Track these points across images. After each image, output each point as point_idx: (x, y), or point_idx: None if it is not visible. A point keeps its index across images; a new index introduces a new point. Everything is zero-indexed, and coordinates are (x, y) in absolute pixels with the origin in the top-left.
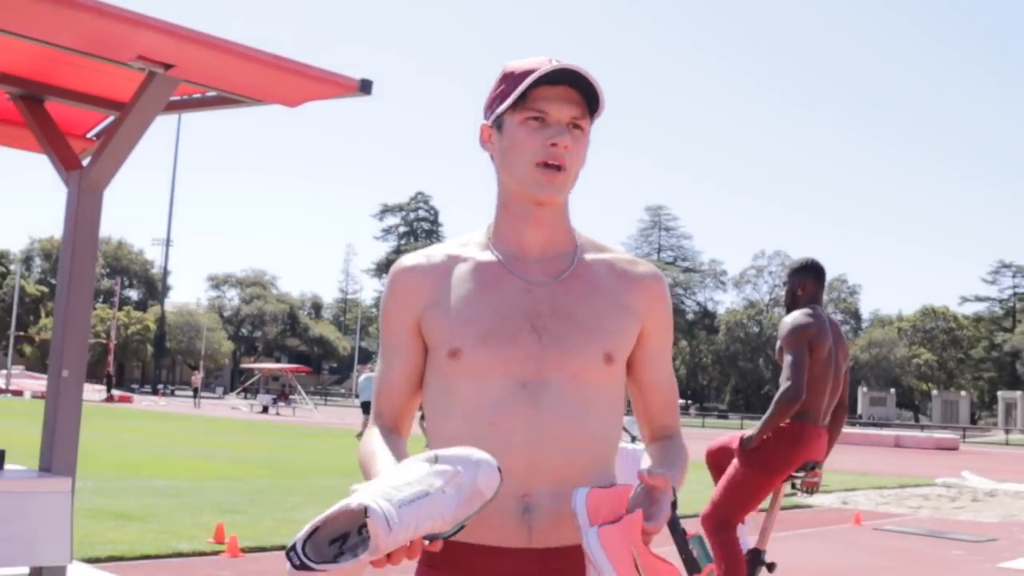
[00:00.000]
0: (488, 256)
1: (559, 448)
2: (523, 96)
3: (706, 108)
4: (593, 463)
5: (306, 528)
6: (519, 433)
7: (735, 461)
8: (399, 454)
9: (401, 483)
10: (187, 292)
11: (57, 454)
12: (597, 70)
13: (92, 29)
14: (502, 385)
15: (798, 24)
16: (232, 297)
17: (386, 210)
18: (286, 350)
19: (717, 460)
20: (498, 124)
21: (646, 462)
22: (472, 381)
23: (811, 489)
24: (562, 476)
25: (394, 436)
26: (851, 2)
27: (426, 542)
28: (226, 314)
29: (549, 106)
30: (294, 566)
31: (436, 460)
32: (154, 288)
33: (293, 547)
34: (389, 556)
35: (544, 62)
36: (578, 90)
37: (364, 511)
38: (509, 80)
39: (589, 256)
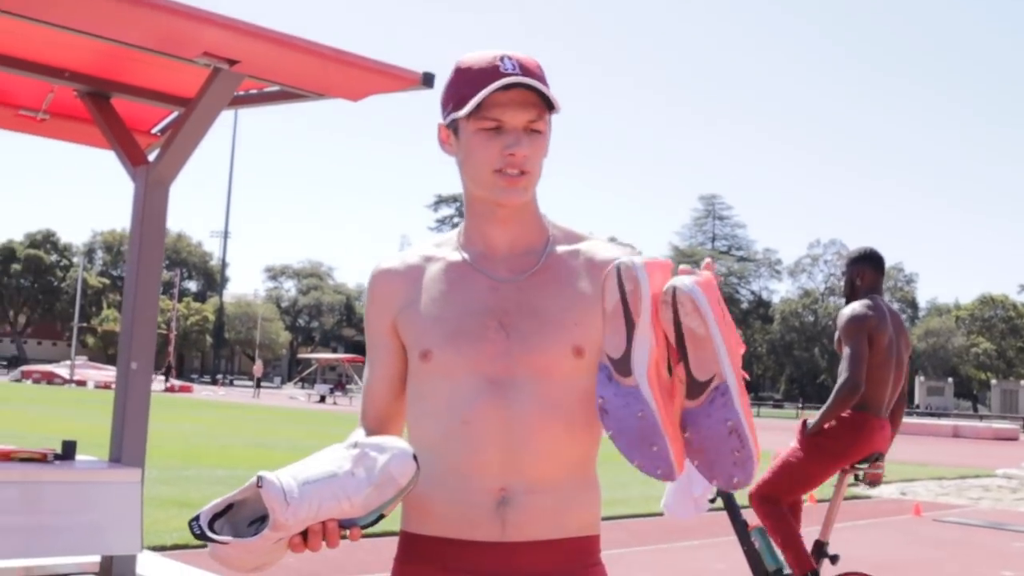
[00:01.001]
0: (458, 256)
1: (532, 443)
2: (477, 103)
3: (760, 95)
4: (569, 457)
5: (212, 502)
6: (491, 429)
7: (795, 443)
8: None
9: (312, 465)
10: (245, 283)
11: (127, 445)
12: (650, 57)
13: (160, 27)
14: (472, 383)
15: (849, 8)
16: (289, 288)
17: (440, 201)
18: (342, 340)
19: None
20: (454, 128)
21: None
22: (443, 381)
23: (874, 481)
24: (536, 470)
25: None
26: None
27: (345, 532)
28: (283, 305)
29: (503, 114)
30: (194, 535)
31: (355, 447)
32: (213, 280)
33: (196, 518)
34: (305, 540)
35: (495, 61)
36: (533, 90)
37: (258, 481)
38: (462, 82)
39: (562, 249)
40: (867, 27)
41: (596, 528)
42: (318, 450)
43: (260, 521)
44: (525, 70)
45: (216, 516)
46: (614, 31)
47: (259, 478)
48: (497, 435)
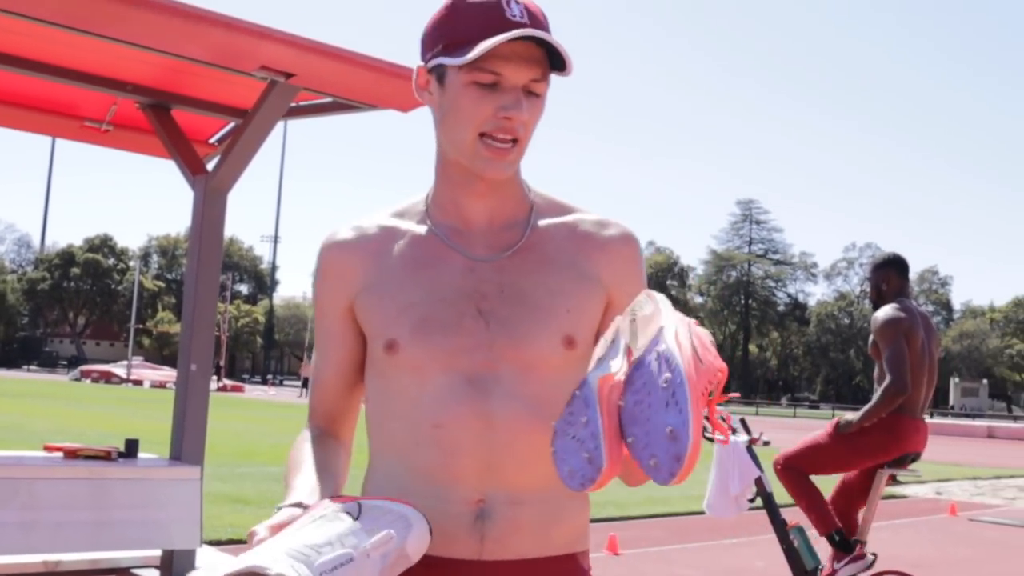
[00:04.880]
0: (426, 229)
1: (516, 449)
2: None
3: (796, 101)
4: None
5: None
6: (469, 435)
7: (827, 429)
8: (331, 467)
9: (321, 542)
10: (294, 286)
11: (187, 443)
12: (690, 64)
13: (219, 42)
14: (446, 381)
15: (883, 13)
16: None
17: None
18: None
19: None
20: (439, 74)
21: (746, 457)
22: (412, 377)
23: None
24: (520, 480)
25: (329, 441)
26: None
27: None
28: None
29: (505, 67)
30: None
31: (360, 512)
32: (263, 283)
33: None
34: None
35: (501, 2)
36: (539, 44)
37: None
38: (457, 20)
39: (546, 222)
40: (901, 30)
41: (585, 543)
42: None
43: None
44: (533, 18)
45: None
46: (656, 37)
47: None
48: (475, 440)
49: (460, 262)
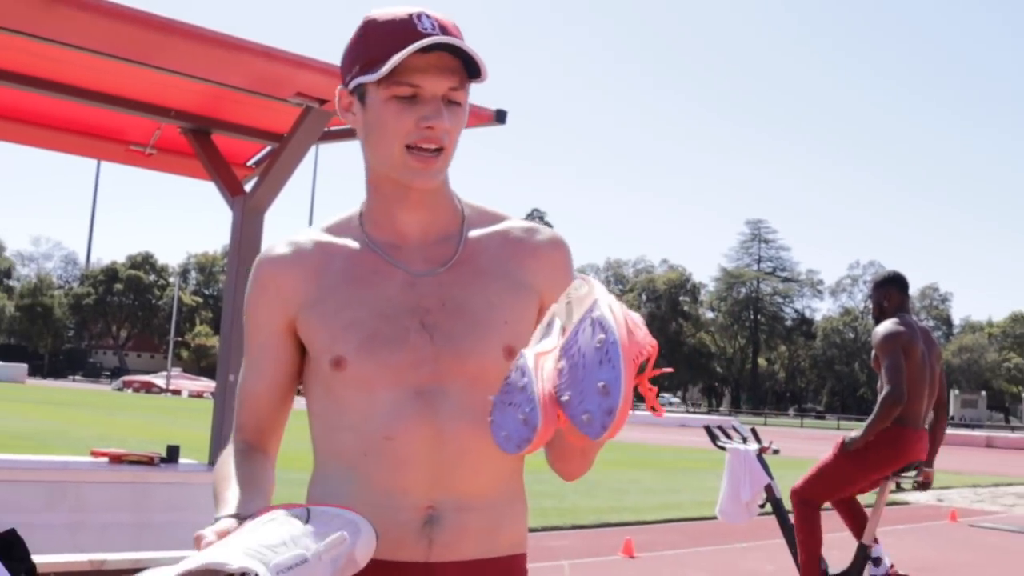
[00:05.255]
0: (362, 245)
1: (465, 458)
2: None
3: (802, 122)
4: (501, 470)
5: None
6: (418, 446)
7: (833, 450)
8: (259, 481)
9: (276, 542)
10: None
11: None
12: (697, 86)
13: (258, 70)
14: (394, 396)
15: (888, 31)
16: None
17: None
18: None
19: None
20: (360, 94)
21: (757, 464)
22: (360, 392)
23: (925, 484)
24: (468, 487)
25: (257, 455)
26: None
27: None
28: None
29: (422, 79)
30: None
31: (309, 517)
32: None
33: None
34: None
35: (411, 18)
36: (454, 53)
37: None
38: (372, 40)
39: (477, 232)
40: (904, 50)
41: (524, 546)
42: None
43: None
44: (445, 31)
45: None
46: (663, 58)
47: (244, 573)
48: (425, 451)
49: (400, 277)
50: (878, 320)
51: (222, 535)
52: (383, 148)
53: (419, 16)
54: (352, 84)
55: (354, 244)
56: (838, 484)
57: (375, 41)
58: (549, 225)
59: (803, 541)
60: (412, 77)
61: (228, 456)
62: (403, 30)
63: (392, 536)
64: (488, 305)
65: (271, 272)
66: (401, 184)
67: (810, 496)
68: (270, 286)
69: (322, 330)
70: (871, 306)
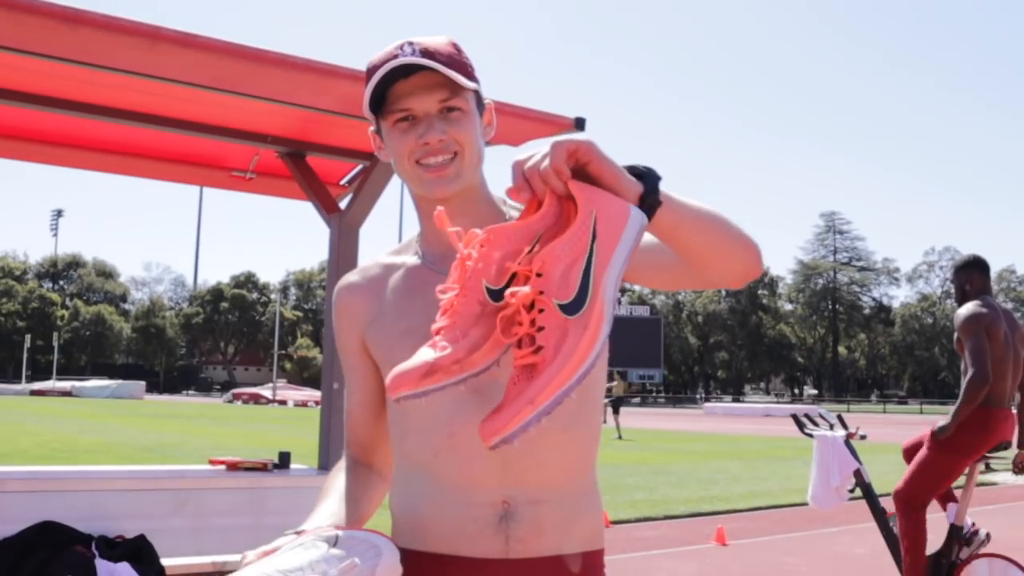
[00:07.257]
0: (417, 261)
1: (529, 450)
2: (384, 97)
3: (874, 113)
4: (569, 460)
5: None
6: (481, 441)
7: (926, 444)
8: (357, 495)
9: (292, 567)
10: None
11: (333, 455)
12: (770, 88)
13: (347, 93)
14: (451, 395)
15: (954, 24)
16: None
17: None
18: None
19: (913, 455)
20: (379, 130)
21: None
22: None
23: (1021, 467)
24: (537, 479)
25: (360, 469)
26: None
27: None
28: None
29: (410, 101)
30: None
31: (337, 542)
32: None
33: None
34: None
35: (395, 51)
36: (437, 70)
37: None
38: (368, 81)
39: None
40: (972, 40)
41: (601, 541)
42: None
43: None
44: (427, 53)
45: None
46: (736, 54)
47: None
48: None
49: None
50: (961, 303)
51: (266, 555)
52: (402, 170)
53: (402, 46)
54: (372, 127)
55: (413, 261)
56: (939, 478)
57: (372, 81)
58: None
59: (908, 548)
60: (401, 103)
61: (335, 471)
62: (389, 63)
63: (470, 532)
64: None
65: (345, 299)
66: (430, 198)
67: (914, 494)
68: (344, 312)
69: (382, 342)
70: (953, 290)
